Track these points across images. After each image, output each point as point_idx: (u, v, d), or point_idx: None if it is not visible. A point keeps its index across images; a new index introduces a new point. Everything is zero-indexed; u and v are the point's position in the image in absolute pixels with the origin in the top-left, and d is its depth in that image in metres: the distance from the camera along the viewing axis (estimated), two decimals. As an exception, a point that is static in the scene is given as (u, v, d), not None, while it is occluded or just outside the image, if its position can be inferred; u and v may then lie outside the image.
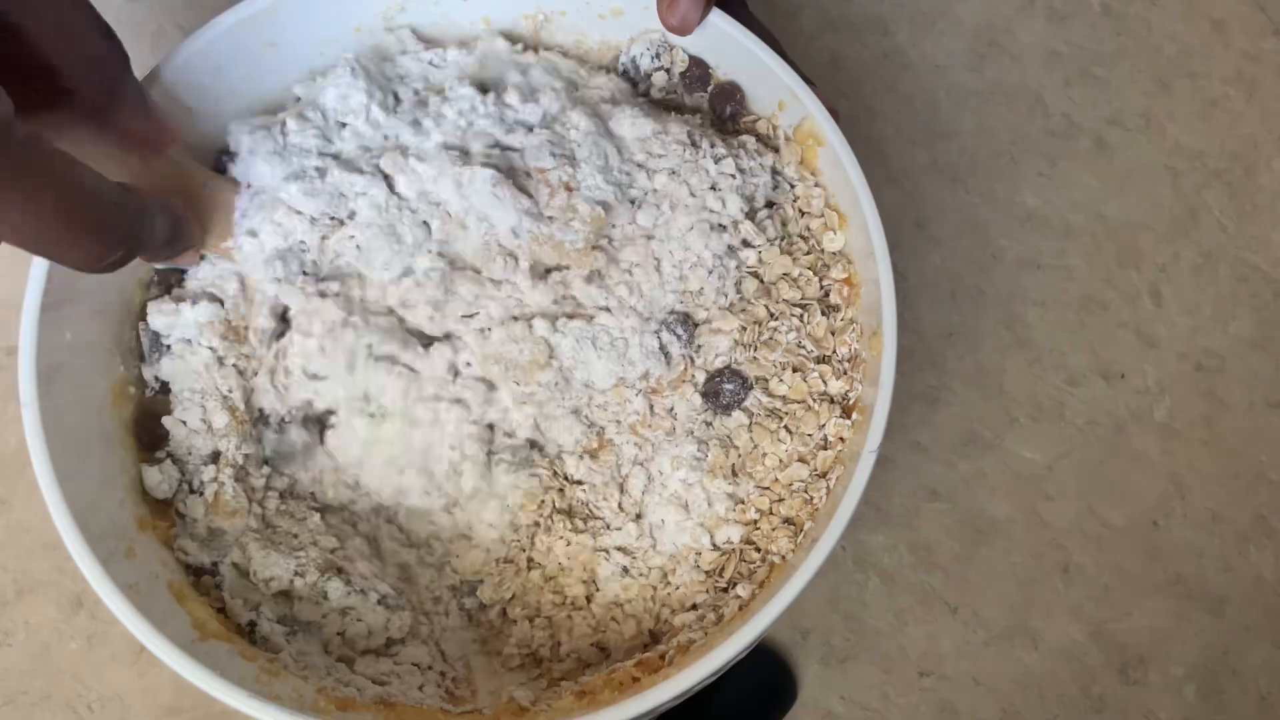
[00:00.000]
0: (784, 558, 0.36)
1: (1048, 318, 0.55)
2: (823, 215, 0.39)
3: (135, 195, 0.30)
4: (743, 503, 0.37)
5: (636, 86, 0.41)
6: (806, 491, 0.36)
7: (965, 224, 0.56)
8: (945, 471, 0.53)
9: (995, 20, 0.60)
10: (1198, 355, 0.55)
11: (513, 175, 0.38)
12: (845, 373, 0.38)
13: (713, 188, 0.38)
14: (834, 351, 0.38)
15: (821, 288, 0.39)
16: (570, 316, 0.38)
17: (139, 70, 0.36)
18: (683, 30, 0.38)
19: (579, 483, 0.38)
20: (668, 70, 0.41)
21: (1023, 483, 0.53)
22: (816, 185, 0.39)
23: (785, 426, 0.37)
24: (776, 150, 0.40)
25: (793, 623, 0.50)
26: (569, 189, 0.38)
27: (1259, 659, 0.51)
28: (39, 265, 0.33)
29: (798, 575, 0.32)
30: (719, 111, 0.41)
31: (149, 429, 0.37)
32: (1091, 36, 0.60)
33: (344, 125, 0.39)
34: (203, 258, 0.37)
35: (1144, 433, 0.54)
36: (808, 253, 0.39)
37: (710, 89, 0.41)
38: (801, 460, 0.37)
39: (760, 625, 0.31)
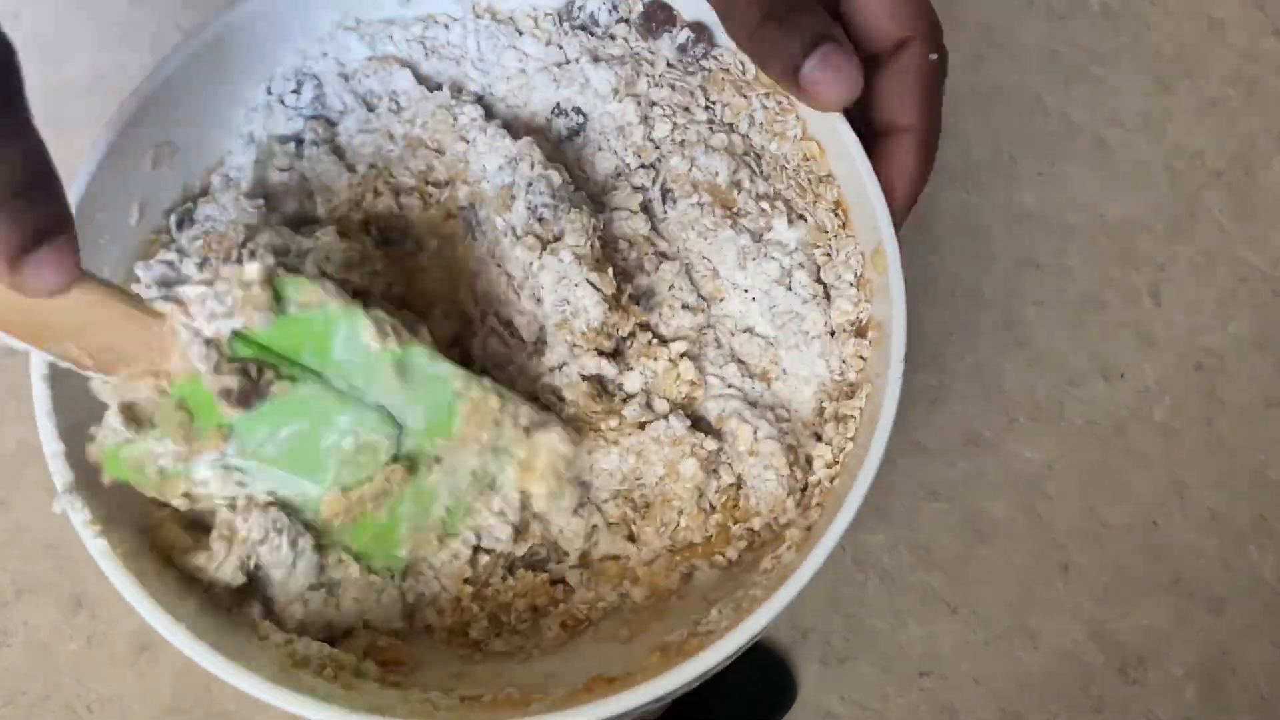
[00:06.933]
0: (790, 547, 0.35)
1: (1047, 318, 0.55)
2: (801, 153, 0.38)
3: None
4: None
5: (598, 40, 0.40)
6: (839, 416, 0.35)
7: (965, 224, 0.56)
8: (945, 471, 0.53)
9: (995, 20, 0.60)
10: (1198, 355, 0.55)
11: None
12: (852, 295, 0.36)
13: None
14: (838, 277, 0.37)
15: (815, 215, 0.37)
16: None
17: (138, 70, 0.36)
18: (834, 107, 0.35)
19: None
20: (627, 20, 0.40)
21: (1023, 483, 0.53)
22: (794, 117, 0.38)
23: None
24: (750, 86, 0.39)
25: (793, 622, 0.50)
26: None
27: (1259, 659, 0.51)
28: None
29: (806, 565, 0.31)
30: (688, 50, 0.40)
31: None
32: (1091, 36, 0.60)
33: None
34: None
35: (1144, 433, 0.54)
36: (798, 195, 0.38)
37: (676, 30, 0.40)
38: (826, 393, 0.36)
39: (762, 620, 0.31)
